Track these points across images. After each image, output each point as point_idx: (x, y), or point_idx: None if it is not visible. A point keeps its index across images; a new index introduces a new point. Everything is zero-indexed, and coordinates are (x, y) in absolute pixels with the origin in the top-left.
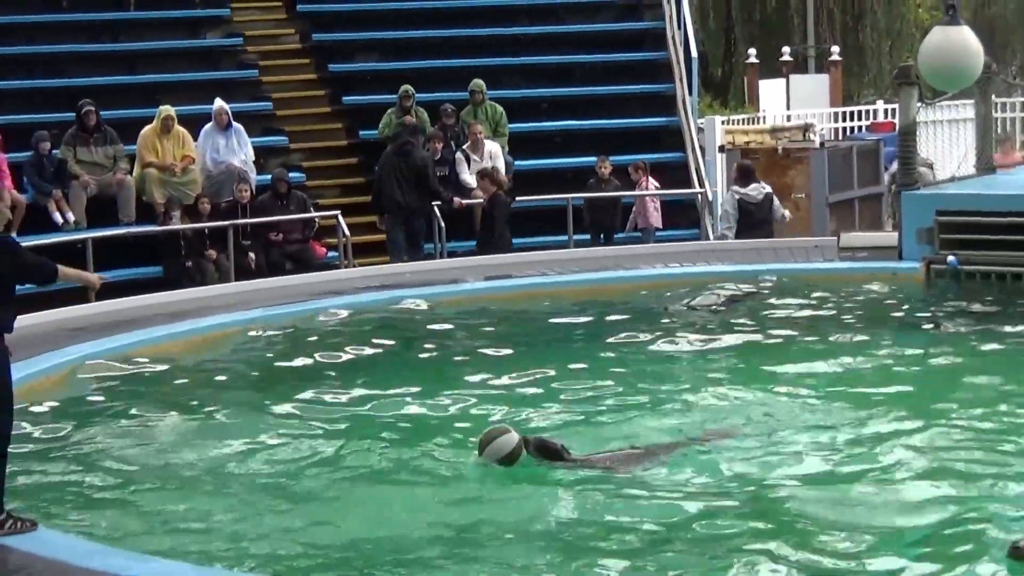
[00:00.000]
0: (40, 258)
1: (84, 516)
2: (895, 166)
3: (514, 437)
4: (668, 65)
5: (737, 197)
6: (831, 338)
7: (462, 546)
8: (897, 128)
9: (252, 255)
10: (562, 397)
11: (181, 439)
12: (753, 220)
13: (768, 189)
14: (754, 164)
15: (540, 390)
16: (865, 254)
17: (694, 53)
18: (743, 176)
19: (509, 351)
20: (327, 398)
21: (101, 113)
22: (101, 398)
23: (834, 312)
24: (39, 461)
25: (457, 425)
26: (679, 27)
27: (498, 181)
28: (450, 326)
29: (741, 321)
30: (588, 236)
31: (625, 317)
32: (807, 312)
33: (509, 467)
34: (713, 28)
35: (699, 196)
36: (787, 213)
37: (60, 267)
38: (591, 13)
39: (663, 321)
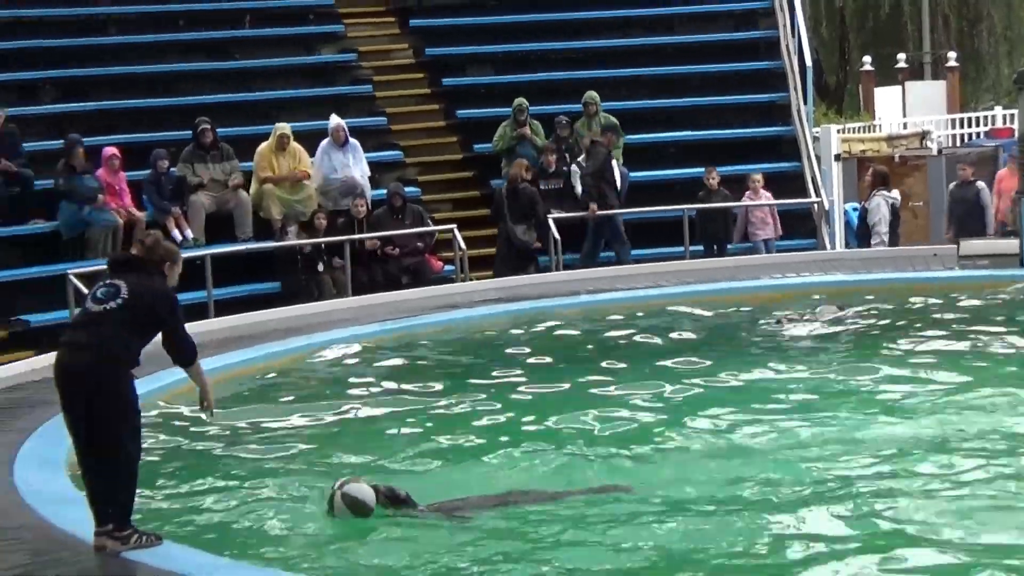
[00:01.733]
0: (190, 338)
1: (210, 531)
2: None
3: (369, 490)
4: (782, 74)
5: (891, 202)
6: (949, 349)
7: None
8: (1016, 133)
9: (368, 269)
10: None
11: (299, 453)
12: (897, 225)
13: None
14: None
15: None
16: (985, 262)
17: (808, 62)
18: (885, 182)
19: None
20: (447, 412)
21: (218, 130)
22: (220, 413)
23: (954, 322)
24: (164, 476)
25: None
26: (793, 36)
27: (511, 175)
28: (556, 338)
29: (858, 332)
30: (702, 247)
31: (737, 329)
32: (927, 323)
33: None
34: (827, 36)
35: (815, 206)
36: None
37: (198, 363)
38: (705, 23)
39: (774, 334)
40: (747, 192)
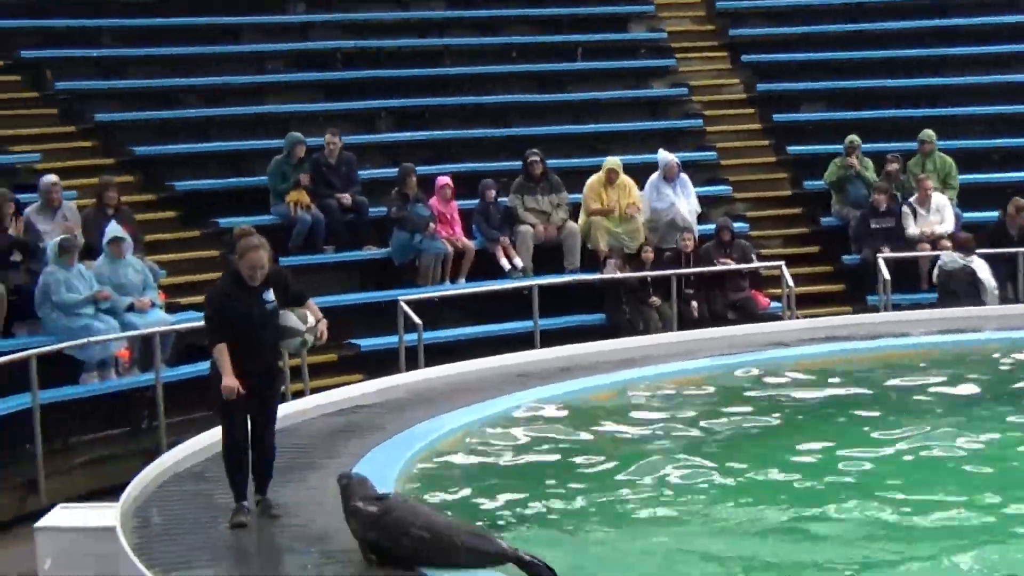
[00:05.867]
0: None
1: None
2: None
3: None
4: None
5: None
6: None
7: None
8: None
9: (695, 304)
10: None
11: (643, 481)
12: None
13: None
14: None
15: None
16: None
17: None
18: None
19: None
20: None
21: (548, 162)
22: (544, 442)
23: None
24: (480, 498)
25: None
26: None
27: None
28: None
29: None
30: None
31: None
32: None
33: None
34: None
35: None
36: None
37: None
38: None
39: None
40: None
